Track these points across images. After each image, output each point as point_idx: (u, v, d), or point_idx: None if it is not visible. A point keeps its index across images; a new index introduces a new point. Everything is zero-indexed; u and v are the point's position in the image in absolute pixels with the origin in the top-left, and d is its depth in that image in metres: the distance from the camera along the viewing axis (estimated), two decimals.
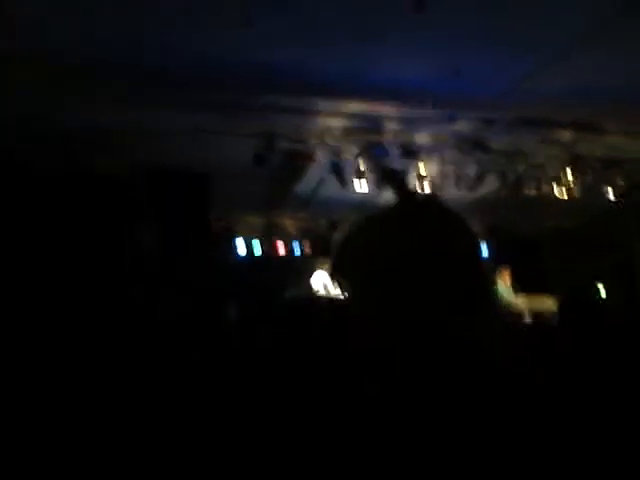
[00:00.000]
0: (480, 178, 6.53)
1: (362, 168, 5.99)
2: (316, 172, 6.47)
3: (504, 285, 8.44)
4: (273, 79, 4.69)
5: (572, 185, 6.69)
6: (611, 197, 6.83)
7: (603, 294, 8.41)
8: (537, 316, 7.45)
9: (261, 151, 5.60)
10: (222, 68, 4.49)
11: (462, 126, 5.69)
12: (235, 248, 8.88)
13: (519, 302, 7.97)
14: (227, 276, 7.47)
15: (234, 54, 4.32)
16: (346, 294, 0.95)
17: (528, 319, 7.61)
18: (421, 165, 6.30)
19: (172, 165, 6.12)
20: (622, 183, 6.68)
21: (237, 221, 8.89)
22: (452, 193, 6.95)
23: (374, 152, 5.86)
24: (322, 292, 7.86)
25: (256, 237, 9.00)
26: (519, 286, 8.43)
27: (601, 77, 4.68)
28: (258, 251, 8.83)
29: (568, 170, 6.52)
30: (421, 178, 6.45)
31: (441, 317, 0.87)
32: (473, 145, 6.00)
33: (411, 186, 6.42)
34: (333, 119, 5.46)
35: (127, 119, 5.19)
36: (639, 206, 7.25)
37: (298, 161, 6.12)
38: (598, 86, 4.81)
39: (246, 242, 8.93)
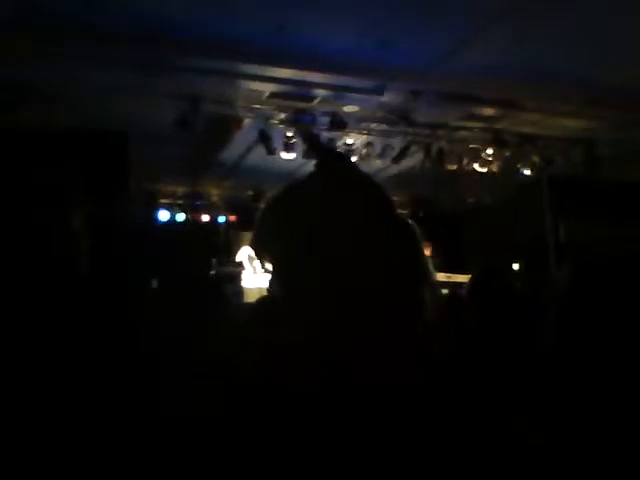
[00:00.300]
0: (404, 150, 6.63)
1: (290, 135, 5.94)
2: (243, 139, 6.37)
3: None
4: (199, 40, 4.54)
5: (492, 160, 6.93)
6: (527, 172, 7.12)
7: (516, 267, 8.83)
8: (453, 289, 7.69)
9: (185, 114, 5.43)
10: (145, 25, 4.30)
11: (389, 98, 5.73)
12: (156, 214, 8.65)
13: (438, 276, 8.17)
14: (146, 243, 7.25)
15: (159, 12, 4.15)
16: (267, 268, 0.89)
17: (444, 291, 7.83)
18: (348, 135, 6.33)
19: (90, 125, 5.83)
20: (537, 159, 6.97)
21: (159, 187, 8.64)
22: (377, 164, 7.04)
23: (302, 120, 5.81)
24: (248, 266, 7.75)
25: (179, 204, 8.79)
26: (439, 260, 8.68)
27: (520, 54, 4.83)
28: (181, 218, 8.63)
29: (489, 146, 6.74)
30: (348, 148, 6.49)
31: (378, 283, 0.84)
32: (399, 117, 6.08)
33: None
34: (260, 84, 5.35)
35: (47, 74, 4.91)
36: (552, 181, 7.59)
37: (224, 127, 5.99)
38: (517, 63, 4.97)
39: (168, 209, 8.72)
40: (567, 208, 7.52)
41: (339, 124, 5.91)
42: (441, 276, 8.10)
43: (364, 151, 6.55)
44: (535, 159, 7.00)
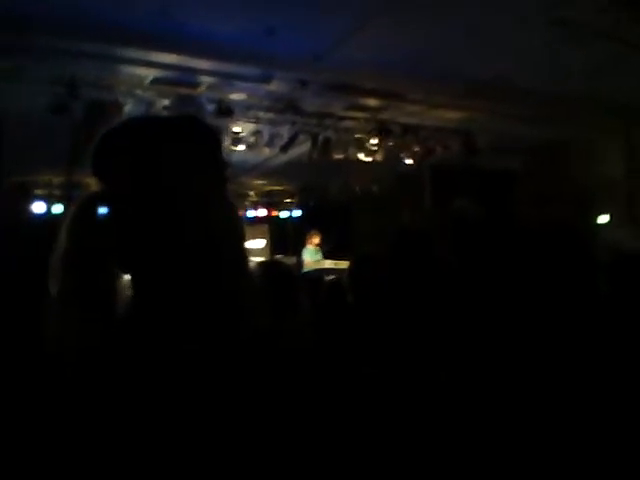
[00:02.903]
0: (292, 139, 6.66)
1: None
2: None
3: (312, 247, 8.79)
4: (74, 22, 4.27)
5: (376, 149, 7.13)
6: (409, 161, 7.41)
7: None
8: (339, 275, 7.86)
9: (61, 99, 5.10)
10: (18, 6, 3.98)
11: (276, 86, 5.72)
12: (31, 207, 8.09)
13: (325, 264, 8.30)
14: (18, 237, 6.77)
15: None
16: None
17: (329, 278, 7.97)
18: (236, 124, 6.25)
19: None
20: (418, 149, 7.27)
21: (35, 177, 8.07)
22: (265, 153, 7.02)
23: (186, 106, 5.65)
24: None
25: (56, 195, 8.26)
26: (328, 247, 8.83)
27: (402, 47, 4.99)
28: (58, 210, 8.11)
29: (373, 135, 6.93)
30: (235, 137, 6.42)
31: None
32: (286, 106, 6.09)
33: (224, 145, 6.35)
34: (142, 69, 5.14)
35: None
36: (433, 170, 7.96)
37: (104, 112, 5.69)
38: (399, 55, 5.13)
39: (45, 200, 8.17)
40: (445, 195, 7.93)
41: (225, 111, 5.81)
42: (329, 263, 8.26)
43: (252, 139, 6.50)
44: (416, 149, 7.29)
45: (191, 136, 0.87)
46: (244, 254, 0.91)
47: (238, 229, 0.90)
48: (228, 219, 0.87)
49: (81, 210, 1.41)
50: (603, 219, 7.72)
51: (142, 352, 0.79)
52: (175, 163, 0.83)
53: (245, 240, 0.95)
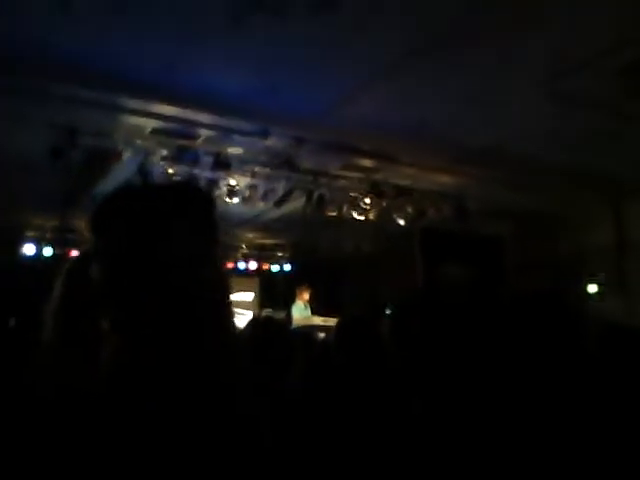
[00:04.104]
0: (287, 195, 6.72)
1: (170, 172, 5.81)
2: (120, 173, 6.14)
3: (302, 303, 8.74)
4: (79, 69, 4.37)
5: (369, 209, 7.21)
6: (401, 222, 7.48)
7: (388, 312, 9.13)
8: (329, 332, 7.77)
9: (59, 144, 5.15)
10: (22, 51, 4.07)
11: (273, 142, 5.82)
12: (21, 249, 8.06)
13: (314, 320, 8.24)
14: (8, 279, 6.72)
15: (40, 38, 3.94)
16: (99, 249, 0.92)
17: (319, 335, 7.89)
18: (232, 177, 6.32)
19: None
20: (411, 210, 7.35)
21: (27, 219, 8.07)
22: (260, 207, 7.08)
23: (184, 157, 5.72)
24: None
25: (47, 238, 8.24)
26: (317, 305, 8.79)
27: (400, 111, 5.12)
28: (48, 253, 8.08)
29: (367, 195, 7.02)
30: (231, 189, 6.48)
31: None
32: (282, 162, 6.18)
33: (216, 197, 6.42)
34: (143, 119, 5.23)
35: None
36: (425, 232, 8.03)
37: (102, 160, 5.75)
38: (397, 119, 5.26)
39: (36, 243, 8.15)
40: (435, 257, 7.97)
41: (223, 164, 5.89)
42: (317, 319, 8.20)
43: (247, 193, 6.56)
44: (409, 210, 7.37)
45: (185, 202, 0.93)
46: (229, 315, 0.95)
47: (225, 290, 0.95)
48: (216, 281, 0.92)
49: (76, 265, 1.48)
50: (592, 289, 7.76)
51: (121, 407, 0.81)
52: (168, 229, 0.88)
53: (230, 301, 0.98)
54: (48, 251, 8.07)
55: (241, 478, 0.79)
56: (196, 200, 0.95)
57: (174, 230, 0.87)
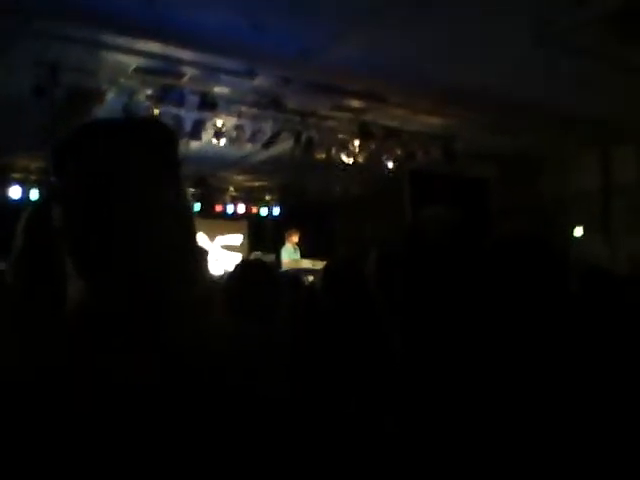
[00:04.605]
0: (275, 136, 6.67)
1: (156, 113, 5.74)
2: (104, 113, 6.05)
3: (291, 246, 8.79)
4: (62, 5, 4.25)
5: (357, 151, 7.18)
6: (390, 165, 7.47)
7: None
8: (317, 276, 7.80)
9: (43, 82, 5.05)
10: None
11: (260, 82, 5.74)
12: (7, 192, 7.99)
13: (303, 263, 8.30)
14: None
15: None
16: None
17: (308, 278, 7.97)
18: (218, 117, 6.25)
19: None
20: (399, 152, 7.34)
21: (12, 160, 7.97)
22: (247, 148, 7.03)
23: (169, 97, 5.63)
24: None
25: (33, 179, 8.17)
26: (306, 248, 8.84)
27: (387, 51, 5.05)
28: (35, 196, 8.02)
29: (355, 137, 6.98)
30: (217, 131, 6.42)
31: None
32: (269, 102, 6.10)
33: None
34: (126, 57, 5.12)
35: None
36: (413, 174, 8.03)
37: (85, 99, 5.65)
38: (384, 60, 5.19)
39: (21, 186, 8.07)
40: (423, 200, 8.00)
41: (209, 105, 5.81)
42: (306, 262, 8.27)
43: (234, 134, 6.50)
44: (398, 152, 7.35)
45: (145, 138, 0.87)
46: (193, 261, 0.91)
47: (187, 235, 0.89)
48: (177, 225, 0.86)
49: (36, 210, 1.43)
50: (577, 232, 7.86)
51: (85, 357, 0.79)
52: (126, 166, 0.82)
53: (196, 247, 0.94)
54: (34, 194, 8.01)
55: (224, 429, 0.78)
56: (157, 136, 0.89)
57: (131, 169, 0.82)
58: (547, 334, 1.70)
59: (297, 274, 7.24)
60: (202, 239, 9.28)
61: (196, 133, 6.28)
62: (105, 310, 0.81)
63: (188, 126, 6.16)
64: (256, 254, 8.33)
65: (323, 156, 7.26)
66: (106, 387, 0.76)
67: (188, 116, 6.04)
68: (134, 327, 0.80)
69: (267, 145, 6.79)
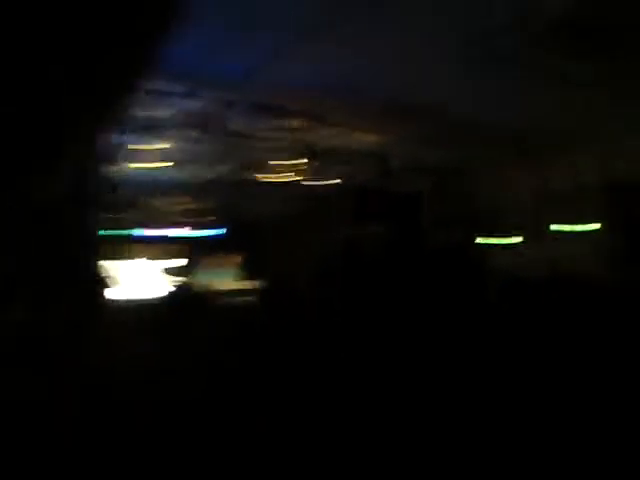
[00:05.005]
0: (216, 158, 6.75)
1: None
2: None
3: (230, 267, 8.82)
4: None
5: (297, 171, 7.36)
6: (327, 182, 7.69)
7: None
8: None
9: None
10: None
11: (201, 104, 5.81)
12: None
13: (244, 284, 8.33)
14: None
15: None
16: None
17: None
18: (161, 140, 6.27)
19: None
20: (336, 170, 7.57)
21: None
22: (189, 170, 7.07)
23: None
24: None
25: None
26: (246, 269, 8.88)
27: (328, 69, 5.24)
28: None
29: (296, 156, 7.15)
30: (157, 153, 6.43)
31: None
32: (212, 124, 6.19)
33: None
34: None
35: None
36: (349, 191, 8.27)
37: None
38: (326, 78, 5.38)
39: None
40: (359, 216, 8.25)
41: (151, 129, 5.84)
42: (246, 283, 8.34)
43: (177, 156, 6.53)
44: (338, 170, 7.57)
45: None
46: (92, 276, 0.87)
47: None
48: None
49: None
50: (511, 240, 8.27)
51: None
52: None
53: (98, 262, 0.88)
54: None
55: None
56: None
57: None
58: (463, 339, 1.88)
59: (236, 294, 7.29)
60: (142, 263, 9.17)
61: (137, 157, 6.28)
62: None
63: (128, 150, 6.15)
64: (195, 277, 8.29)
65: (262, 176, 7.39)
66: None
67: (128, 140, 6.03)
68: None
69: (209, 167, 6.85)
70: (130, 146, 6.20)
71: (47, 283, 0.75)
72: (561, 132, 6.71)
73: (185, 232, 10.01)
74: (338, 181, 7.73)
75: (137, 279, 9.03)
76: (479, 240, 7.80)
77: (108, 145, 5.85)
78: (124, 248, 8.78)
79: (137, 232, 8.77)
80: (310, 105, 6.10)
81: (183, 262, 10.45)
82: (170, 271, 9.92)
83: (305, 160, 7.20)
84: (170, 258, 10.03)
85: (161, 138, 6.28)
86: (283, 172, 7.36)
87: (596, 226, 7.49)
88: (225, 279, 8.72)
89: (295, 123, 6.52)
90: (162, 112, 5.87)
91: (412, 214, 8.54)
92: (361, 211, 8.38)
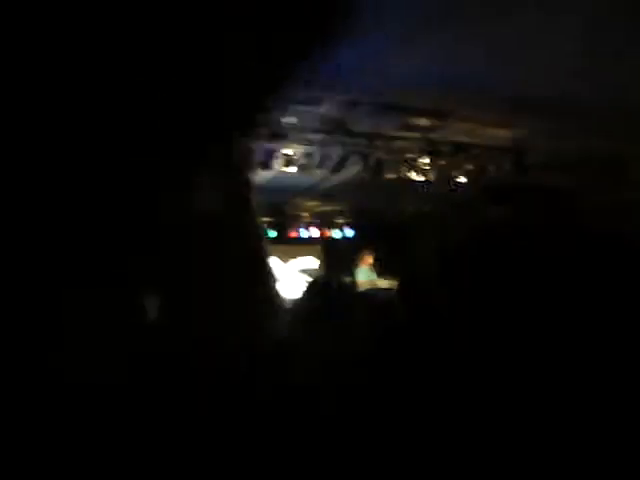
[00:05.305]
0: (343, 161, 6.76)
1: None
2: None
3: (366, 267, 8.84)
4: None
5: (427, 169, 7.16)
6: (461, 181, 7.39)
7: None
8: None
9: None
10: None
11: (326, 108, 5.85)
12: None
13: (380, 283, 8.34)
14: None
15: None
16: None
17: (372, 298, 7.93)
18: (287, 146, 6.42)
19: None
20: (470, 167, 7.25)
21: None
22: (317, 174, 7.16)
23: None
24: None
25: None
26: (382, 269, 8.85)
27: (450, 64, 5.03)
28: None
29: (424, 155, 6.97)
30: (287, 159, 6.58)
31: None
32: (336, 127, 6.21)
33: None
34: None
35: None
36: (487, 190, 7.89)
37: None
38: (448, 73, 5.17)
39: None
40: (500, 217, 7.82)
41: (279, 135, 5.99)
42: (383, 282, 8.31)
43: (303, 161, 6.64)
44: (468, 167, 7.26)
45: None
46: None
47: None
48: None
49: None
50: None
51: None
52: None
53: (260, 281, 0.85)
54: None
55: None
56: None
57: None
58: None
59: (375, 293, 7.28)
60: (276, 263, 9.49)
61: (267, 163, 6.47)
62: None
63: (259, 156, 6.35)
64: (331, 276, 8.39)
65: (393, 176, 7.28)
66: None
67: (258, 147, 6.23)
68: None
69: (336, 170, 6.88)
70: (265, 151, 6.40)
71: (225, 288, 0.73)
72: None
73: (318, 233, 10.20)
74: (469, 179, 7.40)
75: (284, 279, 9.38)
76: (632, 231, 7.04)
77: (252, 150, 6.09)
78: (270, 250, 9.15)
79: (272, 233, 9.08)
80: (435, 102, 5.90)
81: (319, 262, 10.66)
82: (308, 271, 10.16)
83: (434, 159, 6.99)
84: (306, 258, 10.27)
85: (289, 143, 6.42)
86: (413, 172, 7.20)
87: None
88: (360, 278, 8.76)
89: (422, 121, 6.35)
90: (287, 119, 6.00)
91: (555, 208, 7.96)
92: (500, 207, 7.96)
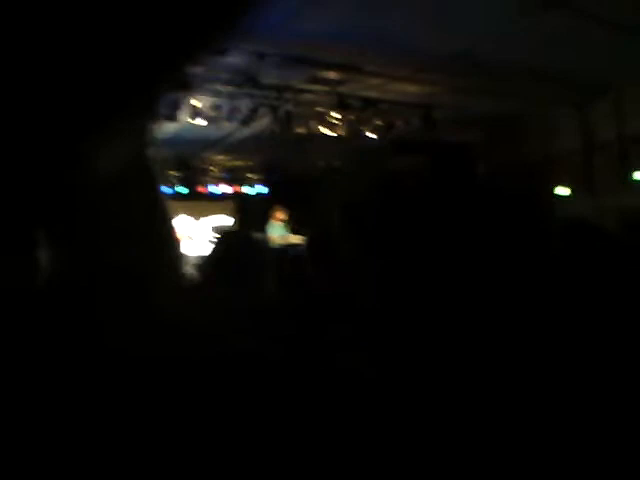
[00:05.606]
0: (252, 113, 6.60)
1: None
2: None
3: (277, 223, 8.79)
4: None
5: (337, 124, 7.13)
6: (371, 135, 7.43)
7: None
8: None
9: None
10: None
11: (234, 59, 5.64)
12: None
13: (291, 239, 8.33)
14: None
15: None
16: None
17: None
18: (194, 97, 6.17)
19: None
20: (380, 122, 7.29)
21: None
22: (226, 127, 6.97)
23: None
24: None
25: None
26: (294, 225, 8.83)
27: (363, 18, 4.97)
28: None
29: (334, 109, 6.92)
30: (194, 110, 6.35)
31: None
32: (244, 79, 6.02)
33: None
34: None
35: None
36: (393, 144, 8.00)
37: None
38: (359, 28, 5.11)
39: None
40: (405, 169, 7.98)
41: (183, 84, 5.72)
42: (295, 238, 8.30)
43: (212, 113, 6.43)
44: (378, 123, 7.30)
45: None
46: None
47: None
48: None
49: None
50: (562, 191, 7.88)
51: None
52: None
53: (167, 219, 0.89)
54: None
55: None
56: None
57: None
58: (525, 285, 1.70)
59: (286, 249, 7.27)
60: (188, 221, 9.26)
61: (172, 114, 6.20)
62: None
63: (162, 107, 6.07)
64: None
65: (302, 130, 7.21)
66: None
67: (161, 97, 5.95)
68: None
69: (245, 122, 6.72)
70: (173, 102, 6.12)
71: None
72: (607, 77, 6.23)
73: (230, 189, 10.02)
74: (378, 134, 7.45)
75: (189, 235, 9.16)
76: (542, 189, 7.42)
77: (161, 103, 5.78)
78: (174, 206, 8.89)
79: (182, 189, 8.83)
80: (346, 56, 5.84)
81: (230, 219, 10.52)
82: (219, 228, 10.00)
83: (343, 113, 6.96)
84: (216, 215, 10.09)
85: (196, 94, 6.18)
86: (322, 126, 7.15)
87: None
88: (272, 234, 8.71)
89: (331, 75, 6.28)
90: (194, 69, 5.75)
91: (462, 164, 8.21)
92: (405, 164, 8.11)
